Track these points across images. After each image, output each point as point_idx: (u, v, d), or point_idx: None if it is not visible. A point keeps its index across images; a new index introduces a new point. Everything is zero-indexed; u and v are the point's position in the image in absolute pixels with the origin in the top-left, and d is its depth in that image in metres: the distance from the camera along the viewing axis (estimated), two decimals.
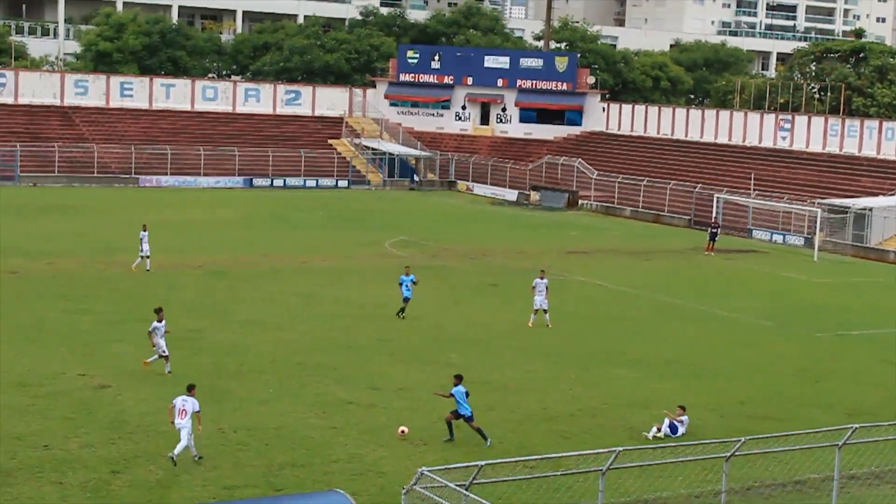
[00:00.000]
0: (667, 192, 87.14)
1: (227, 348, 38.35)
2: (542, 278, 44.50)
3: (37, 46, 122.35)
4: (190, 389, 27.38)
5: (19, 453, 26.81)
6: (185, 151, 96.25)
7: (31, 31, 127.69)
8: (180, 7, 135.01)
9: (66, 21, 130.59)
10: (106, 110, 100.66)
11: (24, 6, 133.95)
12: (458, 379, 29.31)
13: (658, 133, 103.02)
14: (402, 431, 29.22)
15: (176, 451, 26.35)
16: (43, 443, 27.62)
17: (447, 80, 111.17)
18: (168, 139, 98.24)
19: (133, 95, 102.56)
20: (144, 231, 52.72)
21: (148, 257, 52.43)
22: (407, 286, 44.21)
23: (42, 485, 24.95)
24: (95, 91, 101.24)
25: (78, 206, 76.47)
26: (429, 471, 20.61)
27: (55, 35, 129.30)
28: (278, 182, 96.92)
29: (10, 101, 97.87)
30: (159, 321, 34.42)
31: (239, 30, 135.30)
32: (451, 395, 29.07)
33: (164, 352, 34.39)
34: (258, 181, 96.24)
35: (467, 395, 29.10)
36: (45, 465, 26.14)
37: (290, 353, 38.07)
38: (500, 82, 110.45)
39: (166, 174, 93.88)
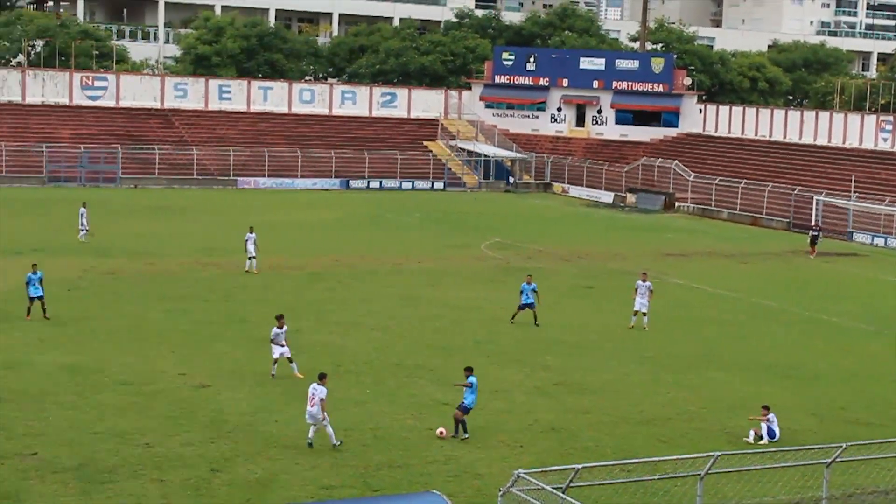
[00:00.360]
0: (765, 194, 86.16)
1: (323, 349, 38.60)
2: (643, 280, 44.31)
3: (137, 50, 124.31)
4: (321, 378, 27.89)
5: (122, 451, 27.24)
6: (283, 153, 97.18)
7: (132, 36, 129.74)
8: (277, 10, 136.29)
9: (165, 25, 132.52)
10: (205, 113, 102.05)
11: (125, 11, 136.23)
12: (469, 371, 29.66)
13: (756, 135, 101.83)
14: (441, 433, 29.28)
15: (310, 435, 27.76)
16: (144, 440, 28.02)
17: (542, 81, 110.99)
18: (265, 141, 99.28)
19: (231, 98, 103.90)
20: (251, 233, 53.17)
21: (251, 258, 52.87)
22: (527, 294, 44.07)
23: (144, 482, 25.31)
24: (194, 94, 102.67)
25: (177, 207, 77.60)
26: (525, 473, 20.57)
27: (155, 39, 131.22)
28: (374, 184, 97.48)
29: (111, 104, 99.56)
30: (280, 328, 34.41)
31: (335, 32, 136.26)
32: (470, 384, 29.29)
33: (280, 356, 34.39)
34: (354, 183, 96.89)
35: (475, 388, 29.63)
36: (147, 462, 26.52)
37: (387, 354, 38.25)
38: (595, 84, 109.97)
39: (264, 176, 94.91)
